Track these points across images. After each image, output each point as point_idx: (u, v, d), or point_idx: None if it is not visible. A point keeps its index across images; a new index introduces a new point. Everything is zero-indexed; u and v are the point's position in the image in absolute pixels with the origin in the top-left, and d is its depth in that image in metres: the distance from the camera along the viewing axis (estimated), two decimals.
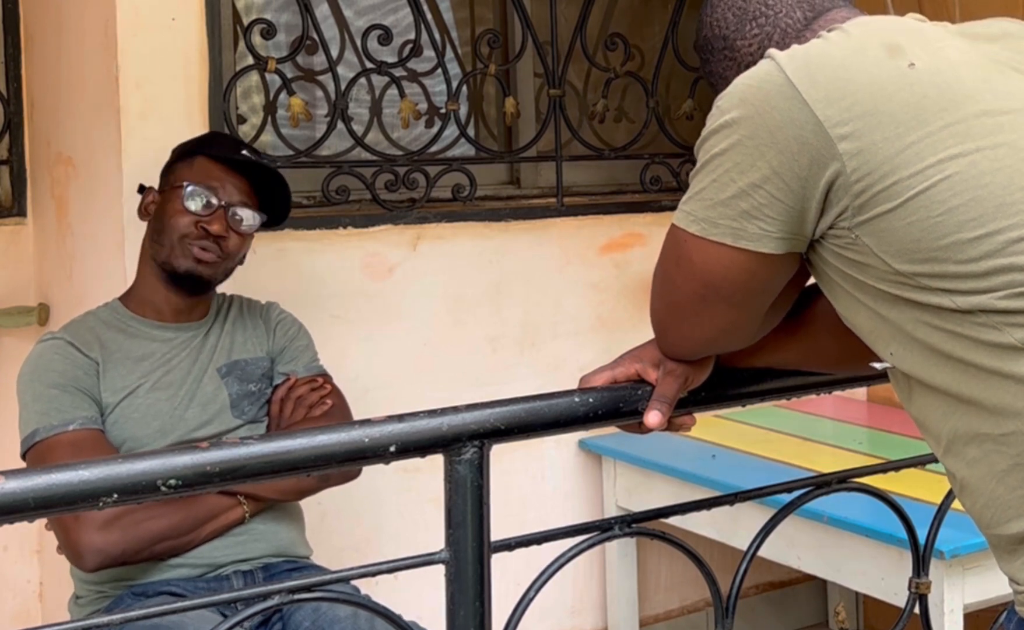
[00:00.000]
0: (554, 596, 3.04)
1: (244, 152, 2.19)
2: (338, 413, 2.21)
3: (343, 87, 2.81)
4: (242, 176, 2.15)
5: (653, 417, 1.33)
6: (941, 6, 3.04)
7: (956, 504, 1.24)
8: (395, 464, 1.23)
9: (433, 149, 2.95)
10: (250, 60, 2.73)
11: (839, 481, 1.59)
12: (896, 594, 2.31)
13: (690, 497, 2.43)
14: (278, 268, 2.68)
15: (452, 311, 2.93)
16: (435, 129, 2.98)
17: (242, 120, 2.85)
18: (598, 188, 3.27)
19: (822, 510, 2.38)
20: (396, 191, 2.89)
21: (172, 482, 1.09)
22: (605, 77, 3.25)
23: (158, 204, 2.16)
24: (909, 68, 1.13)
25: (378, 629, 1.97)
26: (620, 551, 3.09)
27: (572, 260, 3.10)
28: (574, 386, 1.37)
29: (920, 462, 1.67)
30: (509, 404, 1.28)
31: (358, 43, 2.89)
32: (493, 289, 2.98)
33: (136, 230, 2.28)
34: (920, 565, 1.65)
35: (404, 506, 2.81)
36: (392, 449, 1.20)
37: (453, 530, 1.23)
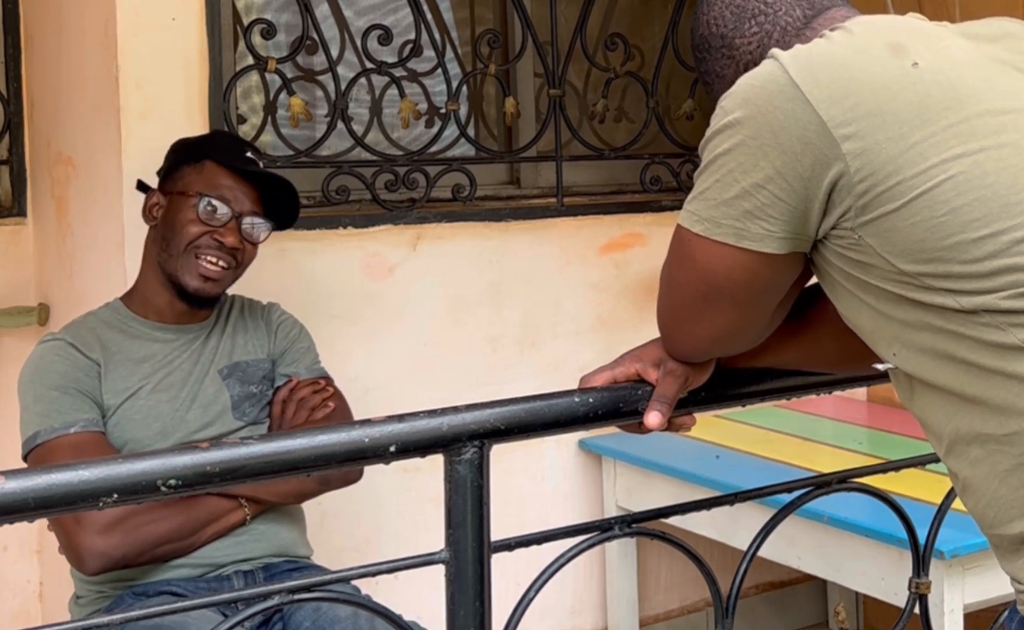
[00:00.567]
0: (554, 596, 3.04)
1: (248, 153, 2.18)
2: (340, 415, 2.21)
3: (343, 87, 2.81)
4: (252, 184, 2.14)
5: (653, 417, 1.33)
6: (941, 6, 3.04)
7: (956, 504, 1.24)
8: (395, 464, 1.23)
9: (433, 149, 2.95)
10: (250, 60, 2.73)
11: (839, 481, 1.59)
12: (896, 594, 2.31)
13: (690, 497, 2.43)
14: (278, 268, 2.68)
15: (452, 311, 2.93)
16: (435, 129, 2.98)
17: (242, 120, 2.85)
18: (598, 188, 3.27)
19: (822, 510, 2.38)
20: (396, 191, 2.89)
21: (172, 482, 1.09)
22: (605, 77, 3.25)
23: (164, 208, 2.13)
24: (913, 68, 1.12)
25: (379, 629, 1.97)
26: (620, 551, 3.09)
27: (572, 260, 3.10)
28: (574, 386, 1.37)
29: (920, 462, 1.67)
30: (509, 404, 1.28)
31: (358, 43, 2.89)
32: (493, 289, 2.98)
33: (136, 230, 2.28)
34: (920, 565, 1.65)
35: (404, 506, 2.81)
36: (392, 449, 1.20)
37: (453, 530, 1.23)
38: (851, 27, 1.19)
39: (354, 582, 1.95)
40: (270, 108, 2.81)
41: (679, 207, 1.25)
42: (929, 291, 1.11)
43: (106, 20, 2.52)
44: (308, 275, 2.73)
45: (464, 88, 3.12)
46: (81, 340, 2.10)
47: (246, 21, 2.80)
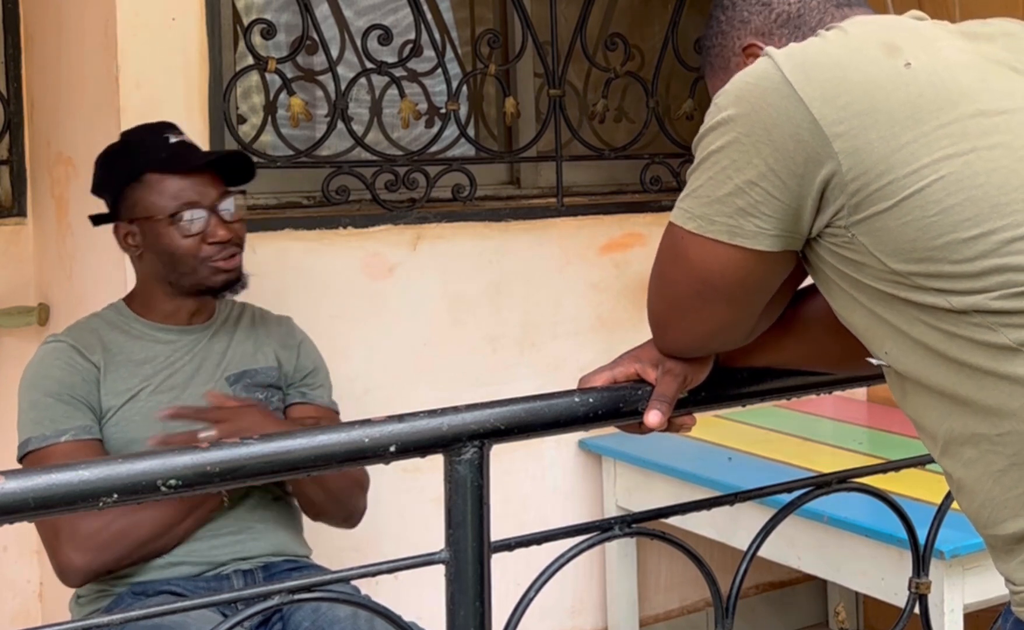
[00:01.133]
0: (554, 596, 3.04)
1: (168, 135, 2.13)
2: None
3: (343, 87, 2.81)
4: (200, 170, 2.11)
5: (653, 417, 1.33)
6: (941, 6, 3.04)
7: (956, 504, 1.24)
8: (395, 464, 1.23)
9: (433, 149, 2.95)
10: (250, 60, 2.73)
11: (839, 481, 1.59)
12: (896, 594, 2.31)
13: (690, 497, 2.43)
14: (278, 268, 2.68)
15: (452, 311, 2.93)
16: (435, 129, 2.98)
17: (242, 120, 2.85)
18: (598, 188, 3.27)
19: (822, 510, 2.38)
20: (396, 191, 2.89)
21: (172, 482, 1.09)
22: (605, 77, 3.25)
23: (140, 236, 2.10)
24: (906, 67, 1.13)
25: (378, 629, 1.97)
26: (620, 551, 3.09)
27: (572, 260, 3.10)
28: (574, 386, 1.37)
29: (920, 462, 1.66)
30: (509, 404, 1.28)
31: (358, 43, 2.89)
32: (493, 289, 2.98)
33: None
34: (920, 565, 1.65)
35: (404, 506, 2.81)
36: (392, 449, 1.20)
37: (453, 530, 1.23)
38: (846, 27, 1.19)
39: (354, 582, 1.95)
40: (270, 108, 2.81)
41: None
42: (920, 291, 1.12)
43: (106, 20, 2.52)
44: (308, 275, 2.73)
45: (464, 88, 3.12)
46: (82, 342, 2.10)
47: (246, 21, 2.80)
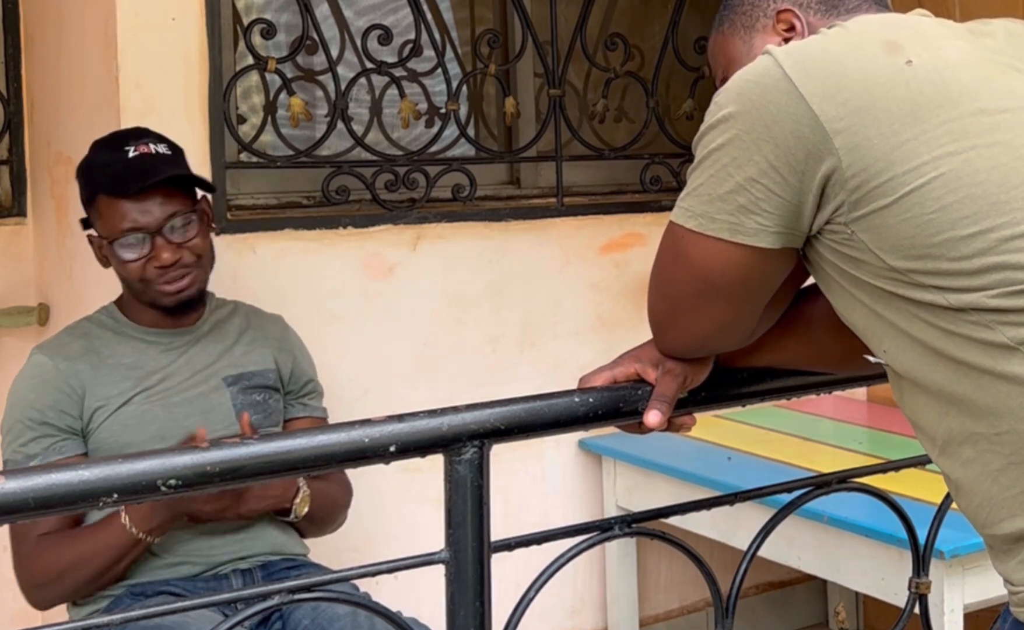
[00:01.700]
0: (554, 596, 3.04)
1: (131, 149, 2.08)
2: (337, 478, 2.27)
3: (343, 87, 2.81)
4: (150, 190, 2.05)
5: (653, 417, 1.33)
6: (941, 6, 3.04)
7: (956, 504, 1.24)
8: (395, 464, 1.23)
9: (433, 149, 2.95)
10: (250, 60, 2.73)
11: (839, 481, 1.59)
12: (896, 594, 2.31)
13: (690, 497, 2.43)
14: (278, 268, 2.68)
15: (452, 311, 2.93)
16: (435, 129, 2.98)
17: (242, 120, 2.85)
18: (598, 188, 3.27)
19: (822, 510, 2.38)
20: (396, 191, 2.89)
21: (172, 482, 1.09)
22: (605, 77, 3.25)
23: (107, 254, 2.11)
24: (906, 65, 1.13)
25: (378, 628, 1.97)
26: (620, 551, 3.09)
27: (572, 260, 3.10)
28: (574, 386, 1.37)
29: (920, 462, 1.66)
30: (509, 404, 1.28)
31: (358, 43, 2.89)
32: (493, 289, 2.98)
33: None
34: (920, 565, 1.65)
35: (404, 506, 2.81)
36: (392, 449, 1.20)
37: (453, 530, 1.23)
38: (848, 24, 1.19)
39: (353, 581, 1.95)
40: (270, 108, 2.81)
41: None
42: (919, 288, 1.12)
43: (106, 20, 2.52)
44: (308, 275, 2.73)
45: (464, 88, 3.12)
46: (68, 351, 2.10)
47: (246, 21, 2.80)
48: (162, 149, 2.12)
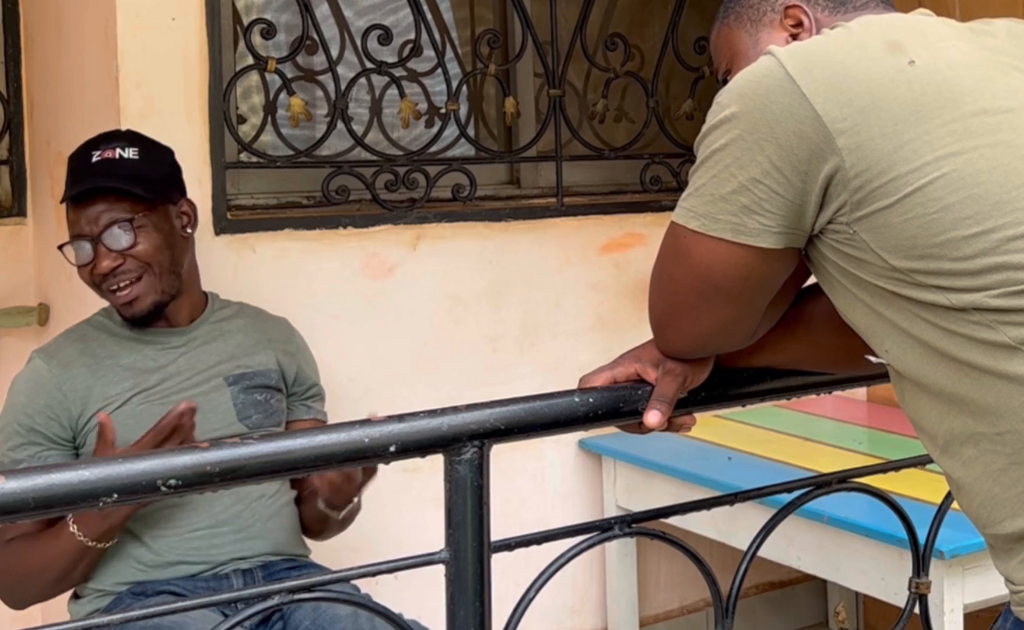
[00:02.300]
0: (554, 596, 3.04)
1: (95, 155, 2.08)
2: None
3: (343, 87, 2.81)
4: (94, 197, 2.05)
5: (653, 417, 1.33)
6: (942, 6, 3.04)
7: (956, 504, 1.24)
8: (395, 464, 1.23)
9: (433, 149, 2.95)
10: (250, 60, 2.73)
11: (839, 481, 1.59)
12: (896, 594, 2.31)
13: (690, 497, 2.43)
14: (278, 268, 2.68)
15: (452, 311, 2.93)
16: (435, 129, 2.98)
17: (242, 120, 2.85)
18: (598, 188, 3.27)
19: (822, 510, 2.38)
20: (396, 191, 2.89)
21: (172, 482, 1.09)
22: (605, 77, 3.25)
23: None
24: (909, 65, 1.13)
25: (379, 628, 1.97)
26: (620, 551, 3.09)
27: (572, 260, 3.10)
28: (574, 386, 1.37)
29: (920, 462, 1.66)
30: (509, 404, 1.28)
31: (358, 43, 2.89)
32: (493, 289, 2.98)
33: None
34: (920, 565, 1.65)
35: (404, 506, 2.81)
36: (392, 449, 1.20)
37: (453, 530, 1.23)
38: (850, 25, 1.19)
39: (354, 582, 1.95)
40: (270, 108, 2.81)
41: None
42: (921, 288, 1.12)
43: (106, 20, 2.52)
44: (308, 275, 2.73)
45: (464, 88, 3.12)
46: (63, 357, 2.10)
47: (246, 21, 2.80)
48: (129, 153, 2.10)
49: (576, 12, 3.16)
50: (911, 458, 1.70)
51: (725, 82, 1.35)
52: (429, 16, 2.98)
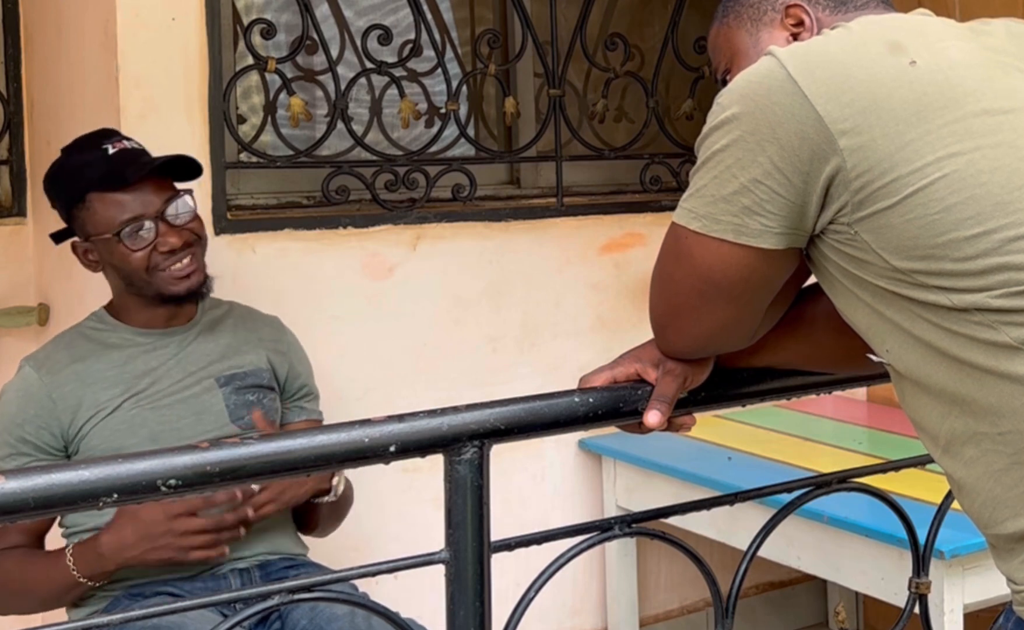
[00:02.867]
0: (554, 596, 3.04)
1: (110, 147, 2.09)
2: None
3: (343, 87, 2.81)
4: (141, 179, 2.07)
5: (653, 417, 1.33)
6: (941, 6, 3.04)
7: (956, 504, 1.24)
8: (395, 464, 1.23)
9: (433, 149, 2.95)
10: (250, 60, 2.73)
11: (839, 481, 1.59)
12: (896, 594, 2.31)
13: (690, 497, 2.43)
14: (278, 268, 2.68)
15: (452, 311, 2.93)
16: (435, 129, 2.98)
17: (242, 120, 2.85)
18: (598, 188, 3.27)
19: (822, 510, 2.38)
20: (396, 191, 2.89)
21: (172, 482, 1.09)
22: (605, 77, 3.25)
23: (97, 252, 2.10)
24: (910, 65, 1.13)
25: (376, 627, 1.96)
26: (620, 551, 3.09)
27: (572, 260, 3.10)
28: (574, 386, 1.37)
29: (920, 462, 1.66)
30: (509, 404, 1.28)
31: (358, 43, 2.89)
32: (493, 289, 2.98)
33: None
34: (920, 565, 1.65)
35: (404, 506, 2.81)
36: (392, 449, 1.20)
37: (453, 530, 1.23)
38: (851, 25, 1.19)
39: (353, 581, 1.95)
40: (270, 108, 2.81)
41: None
42: (922, 288, 1.12)
43: (106, 20, 2.52)
44: (308, 275, 2.73)
45: (464, 88, 3.12)
46: (53, 364, 2.09)
47: (246, 21, 2.80)
48: (135, 145, 2.14)
49: (576, 12, 3.16)
50: (911, 458, 1.70)
51: (724, 82, 1.35)
52: (429, 16, 2.98)
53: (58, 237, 2.18)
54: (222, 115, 2.62)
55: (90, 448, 2.04)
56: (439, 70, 2.99)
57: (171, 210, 2.08)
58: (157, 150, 2.20)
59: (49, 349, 2.14)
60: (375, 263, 2.82)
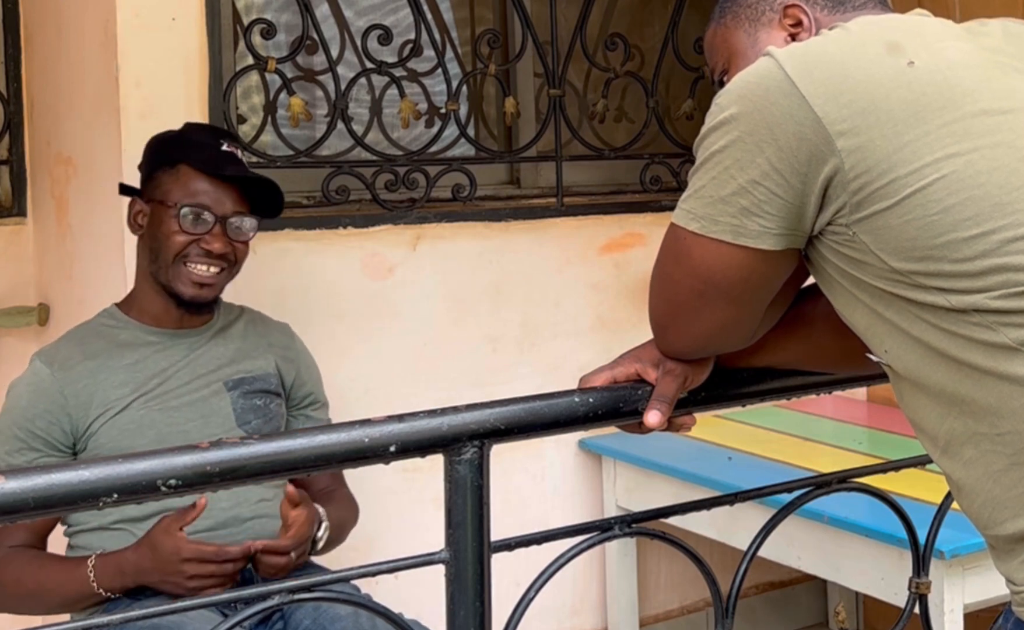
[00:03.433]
0: (554, 596, 3.04)
1: (225, 145, 2.14)
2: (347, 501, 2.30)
3: (343, 87, 2.81)
4: (231, 183, 2.11)
5: (653, 417, 1.33)
6: (941, 6, 3.04)
7: (956, 504, 1.24)
8: (395, 464, 1.23)
9: (433, 149, 2.95)
10: (250, 60, 2.73)
11: (839, 481, 1.59)
12: (896, 594, 2.31)
13: (690, 497, 2.42)
14: (278, 268, 2.68)
15: (452, 311, 2.93)
16: (435, 129, 2.98)
17: (242, 120, 2.85)
18: (598, 188, 3.27)
19: (822, 510, 2.38)
20: (396, 191, 2.89)
21: (172, 482, 1.09)
22: (605, 77, 3.25)
23: (148, 216, 2.12)
24: (908, 66, 1.13)
25: (379, 628, 1.96)
26: (620, 551, 3.09)
27: (572, 260, 3.10)
28: (574, 386, 1.37)
29: (920, 462, 1.66)
30: (509, 404, 1.28)
31: (358, 43, 2.89)
32: (493, 289, 2.98)
33: None
34: (920, 565, 1.65)
35: (404, 506, 2.81)
36: (392, 449, 1.20)
37: (453, 530, 1.23)
38: (849, 25, 1.19)
39: (354, 581, 1.95)
40: (270, 108, 2.81)
41: None
42: (921, 289, 1.12)
43: (106, 20, 2.52)
44: (308, 275, 2.73)
45: (464, 88, 3.12)
46: (65, 360, 2.09)
47: (246, 21, 2.80)
48: (244, 158, 2.21)
49: (576, 12, 3.16)
50: (911, 458, 1.70)
51: (721, 83, 1.35)
52: (429, 16, 2.98)
53: (127, 190, 2.19)
54: (222, 115, 2.62)
55: (98, 446, 2.04)
56: (439, 70, 2.99)
57: (234, 221, 2.11)
58: None
59: (61, 344, 2.14)
60: (375, 263, 2.82)
